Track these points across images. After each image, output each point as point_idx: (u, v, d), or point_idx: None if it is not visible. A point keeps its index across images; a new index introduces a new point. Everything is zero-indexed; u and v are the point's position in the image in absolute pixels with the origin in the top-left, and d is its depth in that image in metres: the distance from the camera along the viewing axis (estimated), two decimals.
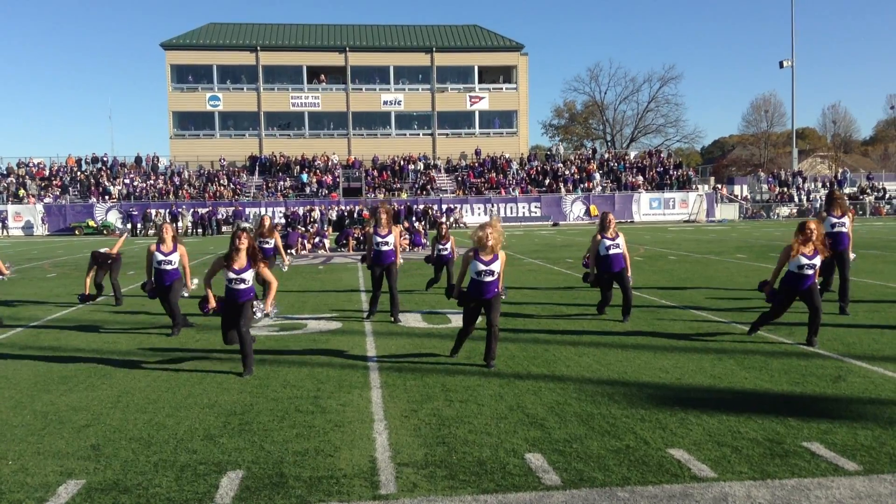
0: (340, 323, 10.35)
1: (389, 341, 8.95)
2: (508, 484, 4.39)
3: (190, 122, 60.94)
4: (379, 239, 10.51)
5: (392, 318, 10.48)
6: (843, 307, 10.36)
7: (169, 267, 9.75)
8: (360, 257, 10.41)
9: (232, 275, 7.43)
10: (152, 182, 51.03)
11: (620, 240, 10.17)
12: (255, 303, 7.55)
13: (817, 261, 7.99)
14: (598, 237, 10.17)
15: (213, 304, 7.71)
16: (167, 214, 43.57)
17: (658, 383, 6.69)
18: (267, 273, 7.75)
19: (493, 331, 7.43)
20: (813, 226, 8.01)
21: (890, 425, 5.30)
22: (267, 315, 7.67)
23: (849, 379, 6.69)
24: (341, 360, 7.89)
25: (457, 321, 10.34)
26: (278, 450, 5.06)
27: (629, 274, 10.17)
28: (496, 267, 7.36)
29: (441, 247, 13.80)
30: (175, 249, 9.85)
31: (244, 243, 7.53)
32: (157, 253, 9.74)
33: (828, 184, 52.98)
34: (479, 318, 7.62)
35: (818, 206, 11.23)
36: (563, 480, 4.42)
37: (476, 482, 4.42)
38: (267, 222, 13.69)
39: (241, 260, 7.50)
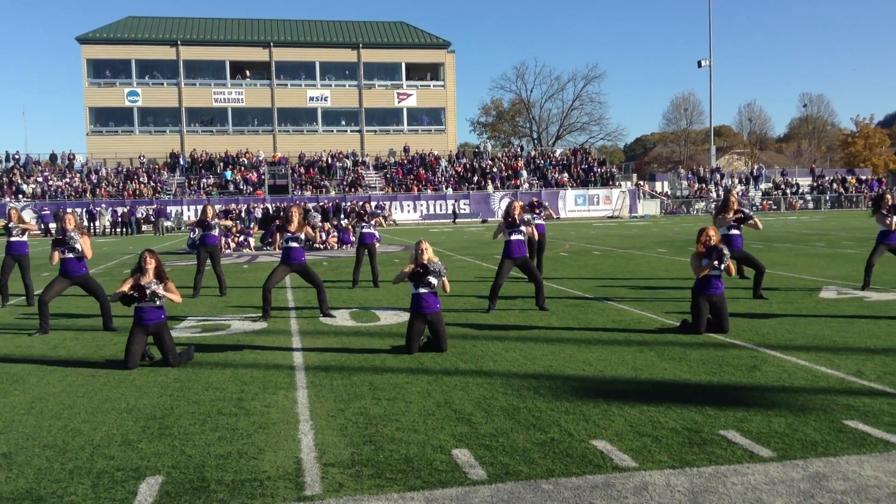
0: (265, 323, 10.19)
1: (316, 340, 8.86)
2: (435, 480, 4.39)
3: (108, 119, 59.12)
4: (289, 235, 10.45)
5: (321, 314, 10.44)
6: (758, 293, 11.09)
7: (73, 255, 9.64)
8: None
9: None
10: (68, 180, 49.27)
11: (522, 227, 10.62)
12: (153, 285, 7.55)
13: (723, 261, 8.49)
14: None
15: (126, 287, 7.54)
16: (84, 213, 42.11)
17: (582, 376, 6.81)
18: (172, 289, 7.70)
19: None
20: (711, 232, 8.60)
21: (802, 412, 5.51)
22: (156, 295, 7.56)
23: (763, 368, 6.93)
24: (266, 361, 7.77)
25: (385, 318, 10.31)
26: (200, 453, 4.94)
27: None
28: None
29: (364, 225, 13.88)
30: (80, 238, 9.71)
31: (151, 264, 7.60)
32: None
33: (729, 184, 54.63)
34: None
35: (712, 206, 11.70)
36: (489, 475, 4.45)
37: (403, 480, 4.41)
38: (210, 211, 13.51)
39: (149, 279, 7.56)
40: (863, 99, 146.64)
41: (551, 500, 4.07)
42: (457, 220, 47.71)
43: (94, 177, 50.11)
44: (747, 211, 11.36)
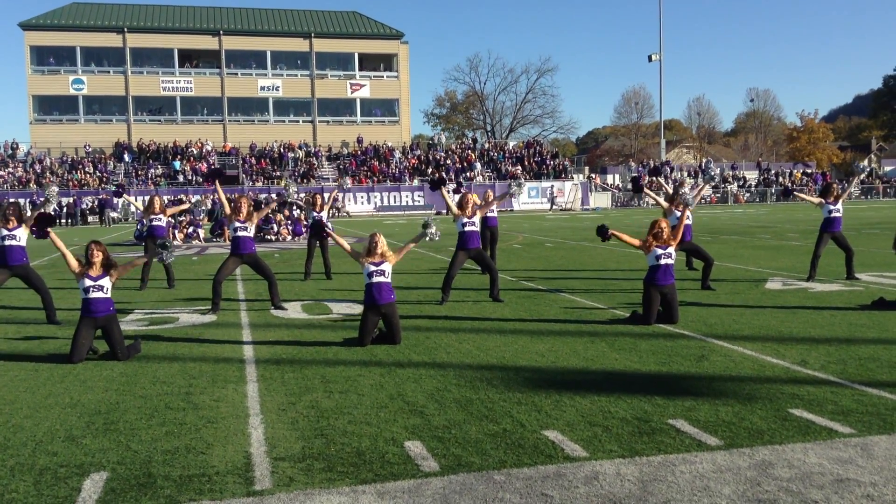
0: (215, 316, 10.02)
1: (267, 333, 8.75)
2: (387, 473, 4.37)
3: (52, 107, 57.51)
4: (238, 224, 10.28)
5: (273, 307, 10.33)
6: (706, 284, 11.31)
7: (13, 243, 9.44)
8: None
9: (89, 282, 7.30)
10: (11, 170, 47.85)
11: (476, 218, 10.72)
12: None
13: (671, 251, 8.71)
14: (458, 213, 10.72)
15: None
16: (27, 204, 40.94)
17: (534, 367, 6.84)
18: (121, 272, 7.63)
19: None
20: (663, 224, 8.81)
21: (749, 401, 5.62)
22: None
23: (711, 358, 7.05)
24: (215, 354, 7.64)
25: (337, 310, 10.23)
26: (146, 449, 4.84)
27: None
28: (387, 268, 7.87)
29: (315, 215, 13.77)
30: (19, 226, 9.51)
31: (98, 256, 7.41)
32: (1, 229, 9.43)
33: (684, 175, 55.51)
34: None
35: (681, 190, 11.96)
36: (442, 466, 4.44)
37: (354, 473, 4.38)
38: (157, 200, 13.24)
39: (97, 270, 7.40)
40: (808, 94, 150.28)
41: (503, 492, 4.08)
42: (440, 213, 47.36)
43: (37, 166, 48.74)
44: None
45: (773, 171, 60.43)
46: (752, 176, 59.92)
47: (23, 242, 9.50)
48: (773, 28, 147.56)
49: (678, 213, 11.32)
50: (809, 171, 62.52)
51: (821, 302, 10.04)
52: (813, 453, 4.54)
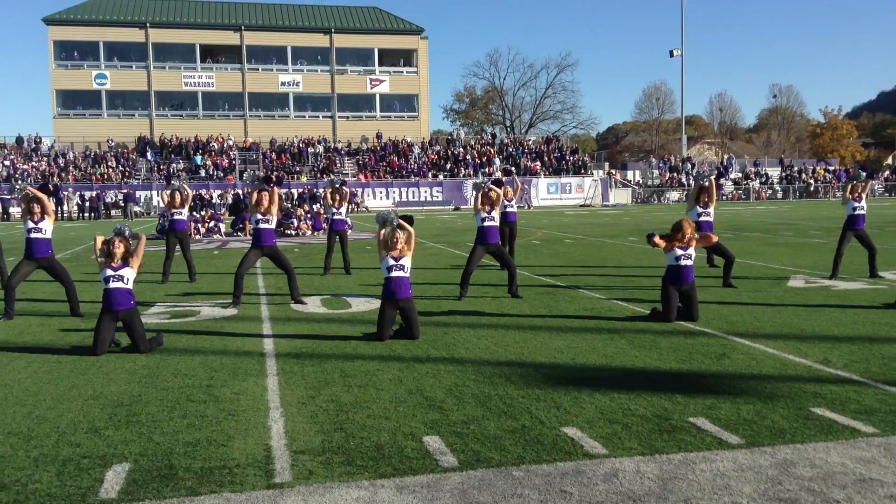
0: (236, 309, 10.08)
1: (287, 327, 8.79)
2: (406, 467, 4.38)
3: (75, 101, 58.06)
4: (259, 217, 10.32)
5: (293, 301, 10.37)
6: (728, 281, 11.21)
7: (40, 235, 9.53)
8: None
9: (109, 272, 7.36)
10: (35, 164, 48.38)
11: (495, 213, 10.74)
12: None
13: (691, 251, 8.67)
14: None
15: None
16: (51, 197, 41.38)
17: (553, 363, 6.82)
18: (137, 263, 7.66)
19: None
20: (686, 226, 8.69)
21: (770, 400, 5.57)
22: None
23: (732, 356, 6.99)
24: (236, 348, 7.69)
25: (357, 305, 10.26)
26: (168, 441, 4.88)
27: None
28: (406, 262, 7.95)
29: (335, 210, 13.81)
30: (44, 218, 9.59)
31: (119, 248, 7.45)
32: (28, 222, 9.53)
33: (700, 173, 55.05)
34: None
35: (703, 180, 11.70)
36: (460, 462, 4.44)
37: (373, 467, 4.39)
38: (178, 195, 13.30)
39: (117, 262, 7.46)
40: (831, 90, 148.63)
41: (522, 487, 4.08)
42: (459, 209, 47.33)
43: (61, 160, 49.26)
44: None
45: (795, 168, 59.83)
46: (774, 172, 59.36)
47: (48, 235, 9.62)
48: (796, 23, 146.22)
49: (699, 210, 11.26)
50: (832, 167, 61.82)
51: (844, 300, 9.94)
52: (835, 452, 4.50)
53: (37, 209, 9.59)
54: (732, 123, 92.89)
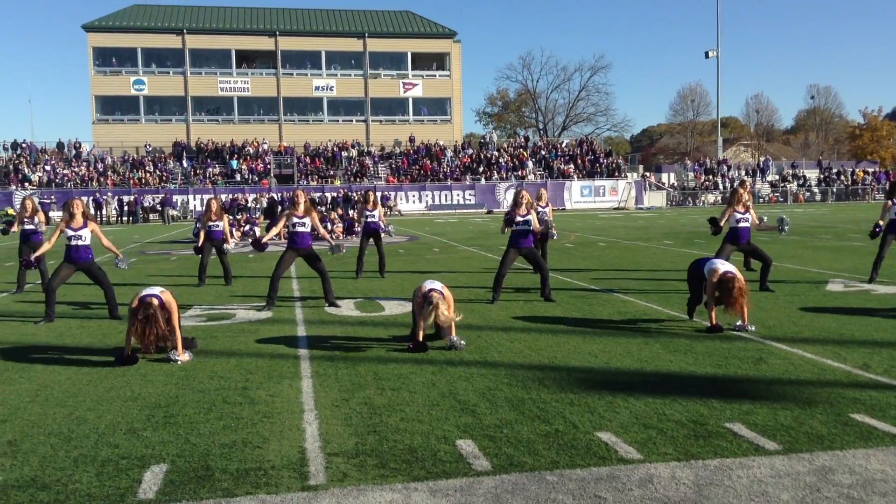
0: (271, 312, 10.18)
1: (321, 330, 8.86)
2: (439, 471, 4.38)
3: (113, 107, 59.07)
4: (296, 220, 10.45)
5: (327, 303, 10.44)
6: (765, 285, 11.06)
7: (80, 243, 9.67)
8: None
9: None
10: (75, 168, 49.34)
11: (531, 216, 10.63)
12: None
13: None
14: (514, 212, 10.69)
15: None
16: (91, 202, 42.18)
17: (587, 367, 6.79)
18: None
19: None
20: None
21: (808, 405, 5.49)
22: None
23: (769, 361, 6.90)
24: (271, 350, 7.77)
25: (390, 308, 10.30)
26: (204, 442, 4.94)
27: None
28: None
29: (368, 213, 13.92)
30: (85, 226, 9.74)
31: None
32: (67, 230, 9.67)
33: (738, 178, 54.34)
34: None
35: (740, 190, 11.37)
36: (494, 466, 4.44)
37: (407, 470, 4.40)
38: (214, 205, 13.54)
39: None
40: (871, 91, 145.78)
41: (556, 492, 4.06)
42: (491, 212, 47.38)
43: (100, 165, 50.17)
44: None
45: (834, 170, 58.82)
46: (812, 175, 58.42)
47: (88, 241, 9.76)
48: (834, 23, 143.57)
49: (737, 216, 11.03)
50: (872, 169, 60.66)
51: (884, 304, 9.75)
52: (875, 459, 4.41)
53: (79, 216, 9.76)
54: (769, 125, 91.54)
